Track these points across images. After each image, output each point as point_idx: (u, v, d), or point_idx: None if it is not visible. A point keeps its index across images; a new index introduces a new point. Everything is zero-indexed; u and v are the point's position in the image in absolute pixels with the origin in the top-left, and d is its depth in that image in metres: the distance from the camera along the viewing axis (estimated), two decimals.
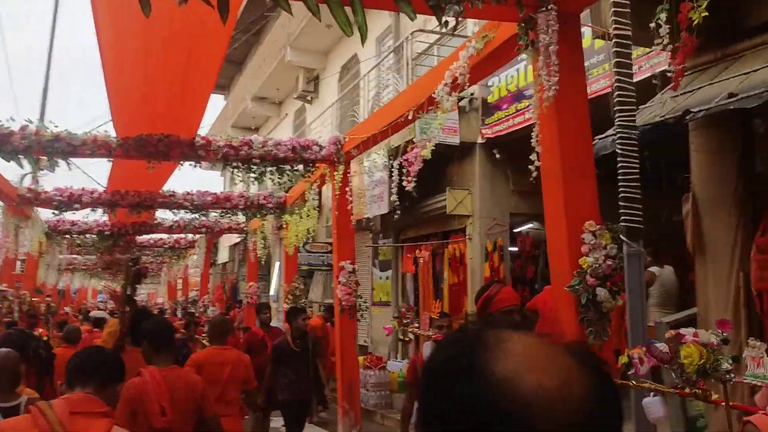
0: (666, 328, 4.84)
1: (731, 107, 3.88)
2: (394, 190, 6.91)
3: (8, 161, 7.30)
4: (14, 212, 10.11)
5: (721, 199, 4.94)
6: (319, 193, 10.29)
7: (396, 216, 9.49)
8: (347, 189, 8.07)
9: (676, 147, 5.13)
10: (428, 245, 9.23)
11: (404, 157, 5.80)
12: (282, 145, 8.11)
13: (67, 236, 14.24)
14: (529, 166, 3.87)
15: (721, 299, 4.92)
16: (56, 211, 10.61)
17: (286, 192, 9.98)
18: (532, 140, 3.87)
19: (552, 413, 0.61)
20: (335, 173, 7.85)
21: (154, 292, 38.86)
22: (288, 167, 8.42)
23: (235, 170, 8.23)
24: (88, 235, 14.40)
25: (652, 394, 3.00)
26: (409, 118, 5.75)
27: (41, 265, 16.35)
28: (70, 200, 10.54)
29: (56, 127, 7.46)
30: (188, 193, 11.23)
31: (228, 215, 11.76)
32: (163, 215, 13.61)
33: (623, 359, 3.11)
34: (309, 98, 16.40)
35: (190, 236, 17.10)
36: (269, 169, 8.31)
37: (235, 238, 20.14)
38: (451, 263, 8.53)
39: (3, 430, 2.26)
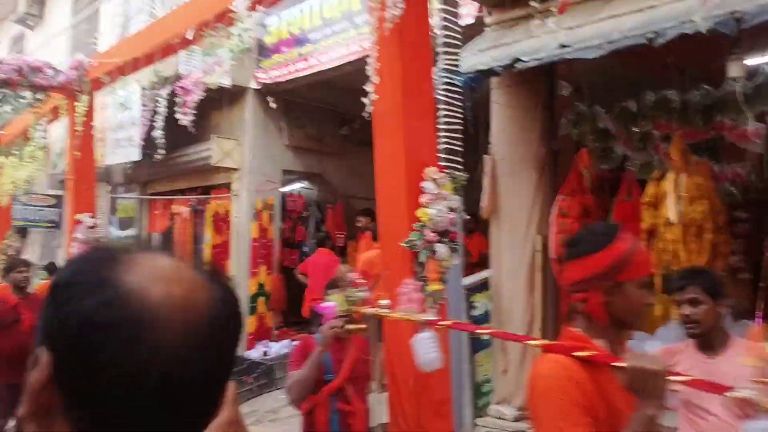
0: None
1: (567, 56, 3.68)
2: (158, 133, 5.74)
3: None
4: None
5: (521, 160, 4.85)
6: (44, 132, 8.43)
7: (129, 166, 8.20)
8: (91, 126, 6.63)
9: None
10: (186, 200, 8.07)
11: (179, 84, 4.74)
12: (4, 65, 6.31)
13: None
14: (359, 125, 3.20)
15: (515, 262, 4.86)
16: None
17: (4, 123, 7.95)
18: (367, 70, 3.21)
19: (177, 319, 0.64)
20: (77, 104, 6.34)
21: None
22: (11, 93, 6.61)
23: None
24: None
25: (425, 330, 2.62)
26: (189, 37, 4.68)
27: None
28: None
29: None
30: None
31: None
32: None
33: None
34: (31, 23, 13.63)
35: None
36: None
37: None
38: (215, 222, 7.54)
39: None
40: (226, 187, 7.95)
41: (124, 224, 9.80)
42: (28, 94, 6.77)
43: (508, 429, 4.64)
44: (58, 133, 9.75)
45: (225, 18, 4.24)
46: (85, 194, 6.85)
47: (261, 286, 7.54)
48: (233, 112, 7.85)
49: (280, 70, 7.37)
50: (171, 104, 6.04)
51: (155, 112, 5.41)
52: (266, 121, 7.87)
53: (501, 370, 4.87)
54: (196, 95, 4.59)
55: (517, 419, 4.67)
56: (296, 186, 8.59)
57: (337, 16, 6.66)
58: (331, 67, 6.71)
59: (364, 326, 3.17)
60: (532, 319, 4.73)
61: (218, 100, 7.71)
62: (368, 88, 3.17)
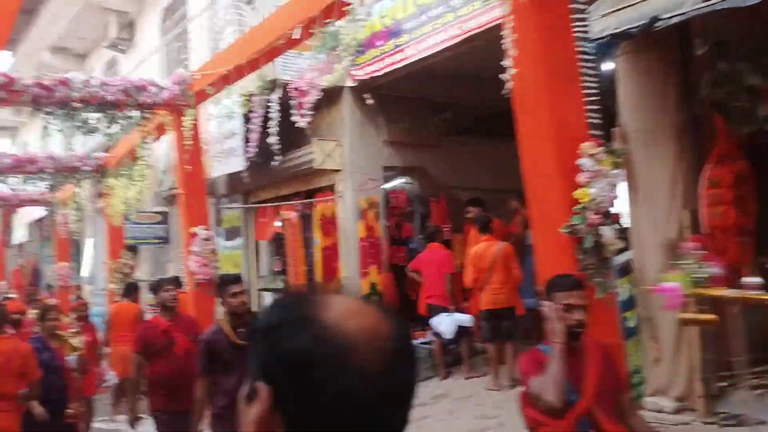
0: None
1: (717, 7, 3.28)
2: (273, 139, 5.69)
3: None
4: None
5: (657, 129, 4.45)
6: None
7: (245, 175, 8.25)
8: (198, 139, 6.70)
9: None
10: (292, 206, 8.05)
11: (294, 85, 4.64)
12: (110, 86, 6.47)
13: None
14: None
15: (658, 242, 4.46)
16: None
17: (112, 145, 8.18)
18: (504, 44, 2.95)
19: (371, 346, 0.76)
20: (184, 118, 6.41)
21: None
22: (120, 113, 6.77)
23: (50, 119, 6.40)
24: None
25: None
26: (296, 36, 4.56)
27: None
28: None
29: None
30: None
31: (33, 182, 9.54)
32: None
33: None
34: (122, 47, 14.14)
35: None
36: (94, 116, 6.61)
37: (36, 212, 17.22)
38: (322, 225, 7.47)
39: None
40: (330, 189, 7.88)
41: (230, 234, 9.94)
42: (134, 113, 6.92)
43: (668, 422, 4.26)
44: (161, 150, 10.01)
45: (334, 11, 4.10)
46: (197, 207, 6.94)
47: (373, 285, 7.41)
48: (331, 112, 7.75)
49: (375, 65, 7.21)
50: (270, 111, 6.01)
51: (267, 118, 5.32)
52: (363, 119, 7.74)
53: (653, 359, 4.50)
54: (313, 95, 4.47)
55: (677, 411, 4.29)
56: (397, 182, 8.42)
57: (431, 2, 6.42)
58: (429, 54, 6.47)
59: (712, 317, 2.50)
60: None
61: (316, 102, 7.64)
62: (505, 62, 2.92)
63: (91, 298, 12.67)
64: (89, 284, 14.92)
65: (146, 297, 12.54)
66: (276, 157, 5.20)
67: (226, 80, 5.89)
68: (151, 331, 4.66)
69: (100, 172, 9.53)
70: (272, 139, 5.17)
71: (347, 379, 0.74)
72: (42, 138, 7.07)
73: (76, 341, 5.35)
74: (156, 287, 4.95)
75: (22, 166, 9.13)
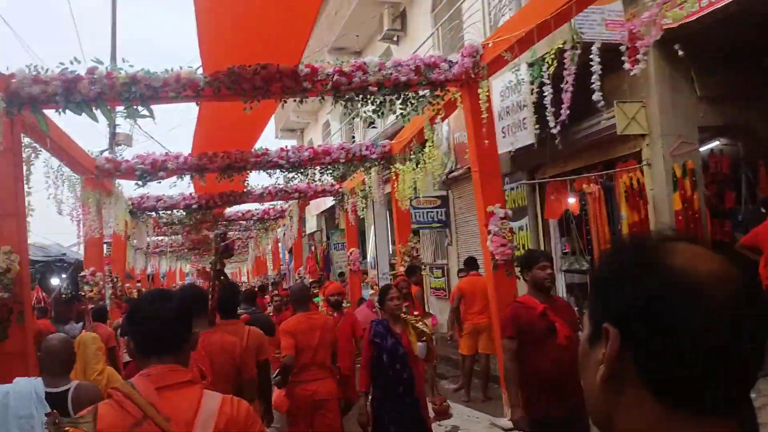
0: None
1: None
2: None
3: (78, 113, 5.94)
4: (93, 186, 8.92)
5: None
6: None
7: (526, 150, 7.73)
8: (491, 113, 6.36)
9: None
10: (593, 179, 7.34)
11: (629, 26, 4.01)
12: (403, 66, 6.45)
13: (153, 214, 13.15)
14: None
15: None
16: (139, 182, 9.36)
17: (396, 132, 8.29)
18: None
19: (720, 289, 0.76)
20: (480, 91, 6.12)
21: (236, 271, 38.40)
22: (411, 94, 6.75)
23: (347, 104, 6.61)
24: (174, 212, 13.32)
25: None
26: None
27: (129, 248, 15.55)
28: (154, 168, 9.28)
29: (131, 66, 6.03)
30: (283, 150, 9.79)
31: (327, 172, 10.22)
32: (253, 181, 12.34)
33: None
34: (395, 38, 14.60)
35: (279, 205, 15.87)
36: (388, 98, 6.67)
37: (323, 204, 18.82)
38: (628, 198, 6.67)
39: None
40: (632, 157, 7.02)
41: (517, 214, 9.56)
42: (424, 92, 6.85)
43: None
44: (442, 132, 10.01)
45: None
46: (492, 185, 6.64)
47: None
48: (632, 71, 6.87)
49: (684, 10, 6.17)
50: (557, 78, 5.42)
51: (562, 83, 4.76)
52: (673, 74, 6.73)
53: None
54: (654, 36, 3.80)
55: None
56: (716, 143, 7.22)
57: None
58: None
59: None
60: None
61: (610, 62, 6.85)
62: None
63: (377, 281, 13.35)
64: (372, 268, 15.83)
65: (428, 280, 12.87)
66: (570, 127, 4.57)
67: (520, 45, 5.46)
68: (527, 312, 3.84)
69: (387, 158, 9.81)
70: (566, 107, 4.57)
71: (698, 320, 0.75)
72: (323, 137, 7.35)
73: (423, 325, 4.91)
74: (527, 263, 4.00)
75: (319, 158, 9.78)
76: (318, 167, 10.03)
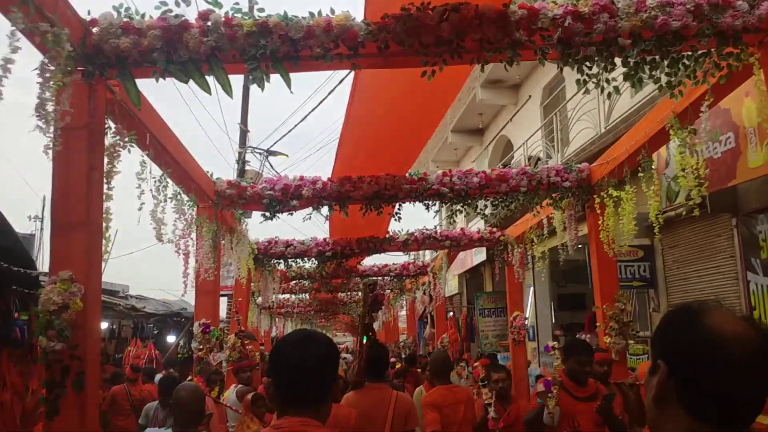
0: None
1: None
2: None
3: (184, 80, 4.01)
4: (210, 216, 7.07)
5: None
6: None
7: None
8: None
9: None
10: None
11: None
12: (676, 7, 4.05)
13: (280, 264, 11.25)
14: None
15: None
16: (266, 213, 7.42)
17: (670, 95, 5.66)
18: None
19: (741, 347, 1.14)
20: None
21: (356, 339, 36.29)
22: (684, 54, 4.28)
23: (586, 73, 4.23)
24: (303, 263, 11.35)
25: None
26: None
27: (252, 305, 13.79)
28: (286, 195, 7.32)
29: (261, 11, 4.05)
30: (446, 174, 7.55)
31: (506, 204, 7.76)
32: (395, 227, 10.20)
33: None
34: None
35: (422, 259, 13.62)
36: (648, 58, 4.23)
37: (469, 261, 16.35)
38: None
39: None
40: None
41: None
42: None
43: None
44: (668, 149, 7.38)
45: None
46: None
47: None
48: None
49: None
50: None
51: None
52: None
53: None
54: None
55: None
56: None
57: None
58: None
59: None
60: None
61: None
62: None
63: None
64: (531, 340, 13.03)
65: None
66: None
67: None
68: None
69: (584, 187, 7.32)
70: None
71: (717, 365, 1.14)
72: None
73: None
74: None
75: (493, 186, 7.44)
76: (491, 198, 7.65)
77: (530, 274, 13.40)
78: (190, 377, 6.13)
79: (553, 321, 13.87)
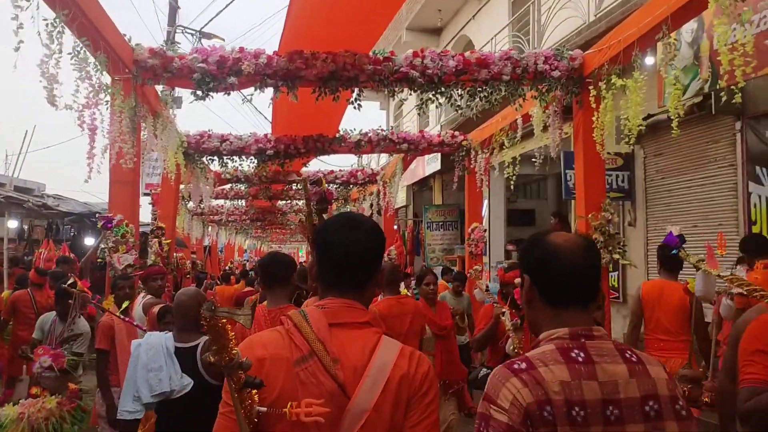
0: None
1: None
2: None
3: None
4: (128, 92, 5.70)
5: None
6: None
7: None
8: None
9: None
10: None
11: None
12: None
13: (214, 160, 9.88)
14: None
15: None
16: (197, 92, 6.09)
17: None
18: None
19: (570, 251, 1.60)
20: None
21: (294, 251, 35.35)
22: None
23: None
24: (242, 161, 10.00)
25: None
26: None
27: (182, 209, 12.47)
28: (222, 69, 6.00)
29: None
30: (416, 54, 6.35)
31: (485, 96, 6.61)
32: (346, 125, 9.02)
33: None
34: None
35: (371, 167, 12.53)
36: None
37: (420, 171, 15.36)
38: None
39: (253, 342, 1.68)
40: None
41: None
42: None
43: None
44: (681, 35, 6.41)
45: None
46: None
47: None
48: None
49: None
50: None
51: None
52: None
53: None
54: None
55: None
56: None
57: None
58: None
59: None
60: None
61: None
62: None
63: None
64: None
65: None
66: None
67: None
68: None
69: (575, 79, 6.30)
70: None
71: (554, 265, 1.59)
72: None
73: None
74: None
75: (472, 71, 6.31)
76: (467, 88, 6.52)
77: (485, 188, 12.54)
78: (71, 277, 4.97)
79: (504, 236, 13.21)
